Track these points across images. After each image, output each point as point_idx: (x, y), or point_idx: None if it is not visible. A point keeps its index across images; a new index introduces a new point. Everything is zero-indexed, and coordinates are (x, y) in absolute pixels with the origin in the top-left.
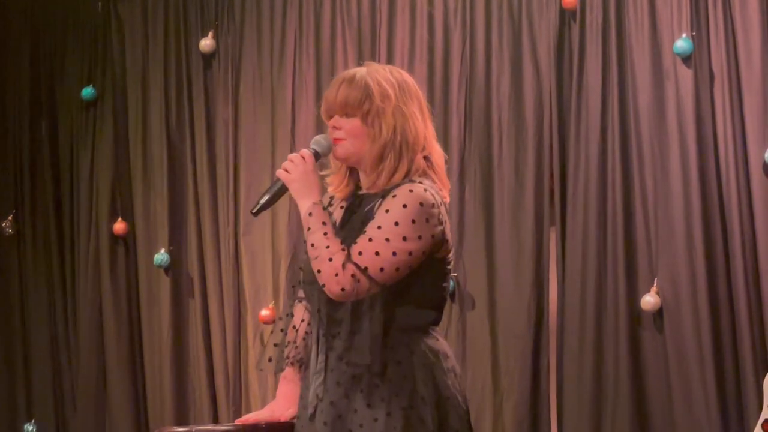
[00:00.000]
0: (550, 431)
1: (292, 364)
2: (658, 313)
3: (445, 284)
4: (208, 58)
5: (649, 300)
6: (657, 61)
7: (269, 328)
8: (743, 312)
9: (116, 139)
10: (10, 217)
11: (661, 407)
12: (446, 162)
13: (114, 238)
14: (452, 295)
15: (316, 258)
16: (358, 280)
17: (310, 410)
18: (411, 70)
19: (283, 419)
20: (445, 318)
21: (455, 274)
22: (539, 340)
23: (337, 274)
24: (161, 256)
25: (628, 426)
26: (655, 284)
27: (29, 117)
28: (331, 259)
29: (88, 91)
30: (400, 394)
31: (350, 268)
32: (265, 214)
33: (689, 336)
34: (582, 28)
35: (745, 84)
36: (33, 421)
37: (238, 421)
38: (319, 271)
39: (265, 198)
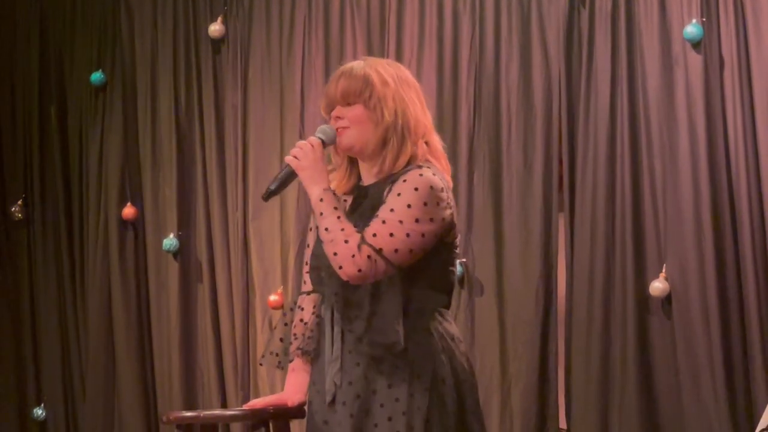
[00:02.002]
0: (558, 417)
1: (301, 355)
2: (667, 299)
3: (452, 268)
4: (217, 44)
5: (657, 286)
6: (666, 47)
7: (278, 313)
8: (752, 297)
9: (125, 124)
10: (19, 202)
11: (669, 393)
12: (446, 149)
13: (123, 223)
14: (461, 281)
15: (332, 241)
16: (375, 261)
17: (329, 398)
18: (420, 56)
19: (290, 404)
20: (453, 303)
21: (464, 260)
22: (547, 326)
23: (353, 256)
24: (170, 240)
25: (635, 412)
26: (663, 270)
27: (38, 102)
28: (347, 241)
29: (97, 76)
30: (422, 375)
31: (366, 249)
32: (274, 199)
33: (698, 322)
34: (591, 13)
35: (755, 70)
36: (42, 405)
37: (246, 406)
38: (335, 254)
39: (275, 184)
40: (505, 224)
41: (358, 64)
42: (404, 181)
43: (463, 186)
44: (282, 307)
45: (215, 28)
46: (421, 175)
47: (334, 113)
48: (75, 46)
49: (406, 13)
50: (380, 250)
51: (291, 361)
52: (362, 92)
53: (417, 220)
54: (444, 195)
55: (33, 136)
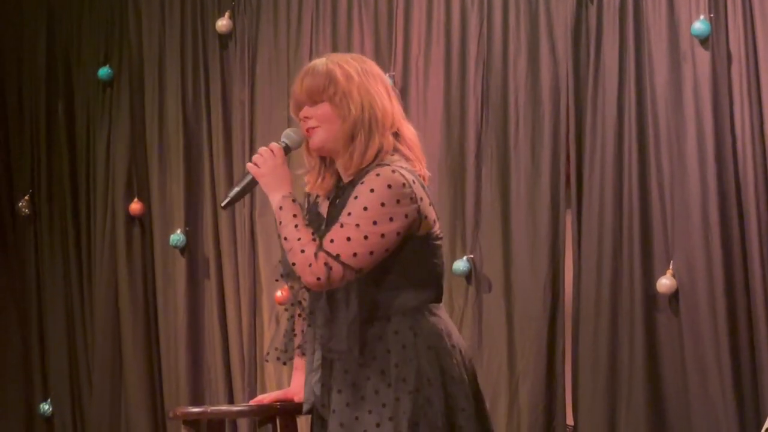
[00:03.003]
0: (566, 414)
1: (303, 354)
2: (674, 296)
3: (436, 260)
4: (224, 39)
5: (664, 282)
6: (674, 43)
7: (283, 310)
8: (759, 294)
9: (132, 120)
10: (26, 198)
11: (677, 390)
12: (420, 137)
13: (130, 219)
14: (468, 278)
15: (290, 250)
16: (331, 268)
17: (306, 407)
18: (428, 52)
19: (297, 399)
20: (461, 300)
21: (471, 256)
22: (555, 323)
23: (310, 265)
24: (177, 236)
25: (643, 408)
26: (670, 266)
27: (46, 97)
28: (303, 251)
29: (104, 72)
30: (408, 378)
31: (322, 256)
32: None
33: (705, 318)
34: (599, 9)
35: (763, 66)
36: (49, 400)
37: (252, 402)
38: (294, 264)
39: (234, 191)
40: (512, 220)
41: (320, 62)
42: (362, 183)
43: (471, 182)
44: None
45: (223, 24)
46: (378, 175)
47: (301, 114)
48: (82, 42)
49: (414, 9)
50: (337, 256)
51: (291, 358)
52: (326, 89)
53: (375, 222)
54: (406, 191)
55: (40, 131)
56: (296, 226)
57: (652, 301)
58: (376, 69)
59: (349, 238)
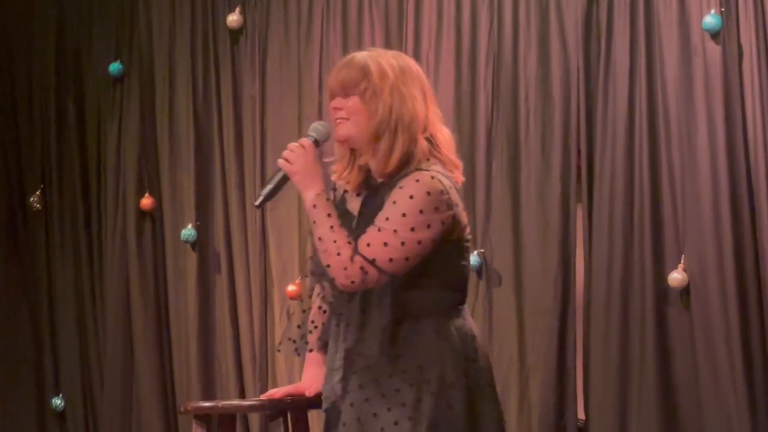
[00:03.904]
0: (576, 408)
1: (319, 349)
2: (685, 290)
3: (464, 263)
4: (235, 34)
5: (676, 277)
6: (685, 37)
7: (296, 303)
8: None
9: (143, 115)
10: (37, 193)
11: (688, 384)
12: (457, 140)
13: (141, 214)
14: (479, 272)
15: (325, 251)
16: (366, 272)
17: (326, 405)
18: (438, 46)
19: (308, 394)
20: (471, 295)
21: (482, 251)
22: (565, 317)
23: (346, 268)
24: (188, 231)
25: (654, 403)
26: (682, 261)
27: (56, 93)
28: (339, 254)
29: (115, 67)
30: (431, 380)
31: (358, 260)
32: (292, 190)
33: (716, 313)
34: (610, 4)
35: None
36: (60, 395)
37: (264, 396)
38: (328, 265)
39: (267, 189)
40: (523, 215)
41: (360, 55)
42: (401, 187)
43: (481, 177)
44: (300, 297)
45: (233, 19)
46: (417, 180)
47: (332, 104)
48: (93, 37)
49: (424, 3)
50: (373, 260)
51: (310, 351)
52: (359, 83)
53: (412, 229)
54: (443, 198)
55: (51, 127)
56: (332, 227)
57: (663, 295)
58: (416, 70)
59: (386, 244)
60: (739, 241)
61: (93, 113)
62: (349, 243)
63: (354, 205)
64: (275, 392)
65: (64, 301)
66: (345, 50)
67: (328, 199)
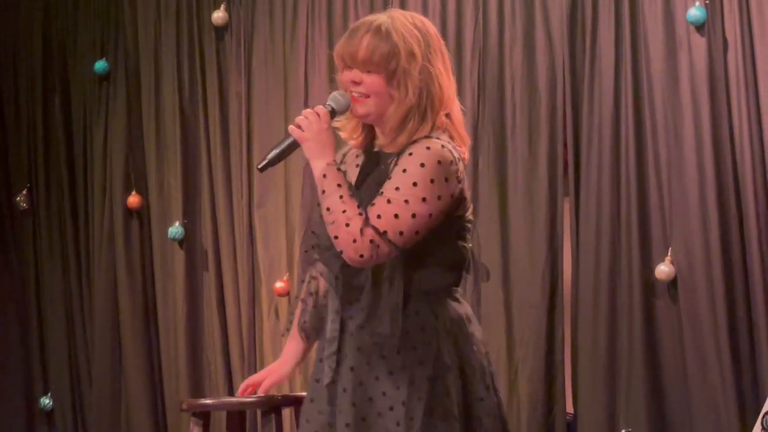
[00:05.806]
0: (565, 402)
1: (304, 330)
2: (673, 283)
3: (463, 243)
4: (220, 31)
5: (663, 269)
6: (670, 29)
7: (284, 300)
8: (758, 280)
9: (129, 113)
10: (24, 192)
11: (676, 377)
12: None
13: (128, 212)
14: (467, 267)
15: (333, 223)
16: (378, 246)
17: (326, 380)
18: None
19: (279, 375)
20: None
21: (470, 245)
22: (553, 311)
23: (355, 240)
24: (175, 229)
25: (642, 396)
26: (669, 253)
27: (42, 91)
28: (348, 225)
29: (100, 65)
30: (425, 362)
31: (369, 233)
32: (279, 186)
33: (704, 305)
34: None
35: (759, 52)
36: (49, 394)
37: (242, 386)
38: (336, 237)
39: (273, 153)
40: (510, 209)
41: (384, 22)
42: (410, 154)
43: (468, 170)
44: (288, 294)
45: (219, 16)
46: (428, 147)
47: (350, 76)
48: (78, 35)
49: None
50: (384, 233)
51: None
52: (387, 63)
53: (423, 200)
54: (453, 168)
55: (37, 125)
56: (341, 196)
57: (650, 288)
58: (436, 37)
59: (397, 215)
60: (726, 233)
61: (79, 111)
62: (360, 214)
63: (352, 173)
64: (249, 381)
65: (51, 299)
66: (330, 47)
67: (339, 169)
